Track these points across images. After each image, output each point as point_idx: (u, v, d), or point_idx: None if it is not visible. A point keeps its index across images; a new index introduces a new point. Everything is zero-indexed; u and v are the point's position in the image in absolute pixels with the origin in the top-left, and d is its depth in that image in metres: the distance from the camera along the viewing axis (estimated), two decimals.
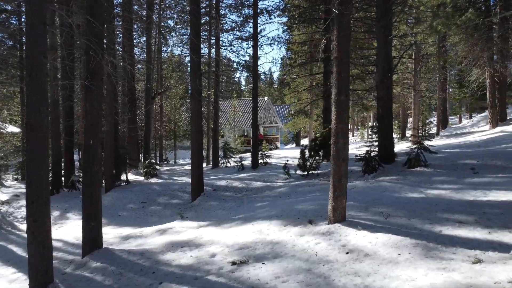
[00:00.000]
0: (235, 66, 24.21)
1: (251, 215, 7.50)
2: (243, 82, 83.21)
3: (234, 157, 22.09)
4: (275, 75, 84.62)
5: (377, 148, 12.24)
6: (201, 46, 12.30)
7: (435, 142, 18.51)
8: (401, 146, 22.68)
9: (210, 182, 13.68)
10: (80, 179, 13.86)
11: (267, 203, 8.87)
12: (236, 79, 72.17)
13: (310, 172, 12.81)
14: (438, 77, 23.10)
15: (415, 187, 8.18)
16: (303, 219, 6.05)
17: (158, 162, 31.77)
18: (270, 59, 59.65)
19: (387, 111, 11.56)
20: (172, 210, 10.49)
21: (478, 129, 22.73)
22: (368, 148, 16.28)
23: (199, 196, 10.73)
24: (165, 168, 26.05)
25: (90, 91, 5.84)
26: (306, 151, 12.74)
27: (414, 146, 10.81)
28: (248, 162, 19.29)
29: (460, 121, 33.85)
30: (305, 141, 44.16)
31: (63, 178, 15.16)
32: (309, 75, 18.71)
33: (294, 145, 42.98)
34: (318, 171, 12.96)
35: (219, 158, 21.82)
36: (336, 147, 5.44)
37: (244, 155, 31.18)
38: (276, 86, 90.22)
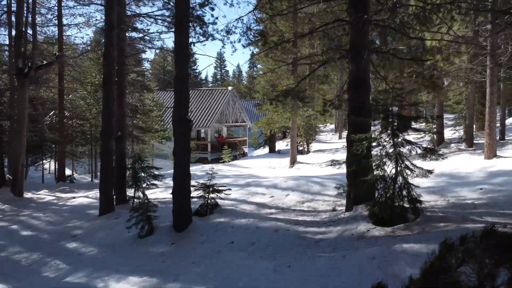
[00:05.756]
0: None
1: None
2: (210, 73, 72.75)
3: (156, 184, 11.15)
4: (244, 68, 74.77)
5: None
6: None
7: None
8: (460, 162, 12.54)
9: None
10: None
11: None
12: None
13: None
14: None
15: None
16: None
17: (56, 181, 20.33)
18: None
19: None
20: None
21: None
22: None
23: None
24: (49, 198, 14.73)
25: None
26: None
27: None
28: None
29: None
30: (281, 145, 33.47)
31: None
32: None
33: (267, 150, 32.30)
34: None
35: (127, 185, 10.88)
36: None
37: (193, 168, 20.29)
38: (244, 82, 79.53)
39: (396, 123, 5.59)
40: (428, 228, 5.07)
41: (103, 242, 7.08)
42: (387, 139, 5.74)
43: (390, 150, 5.82)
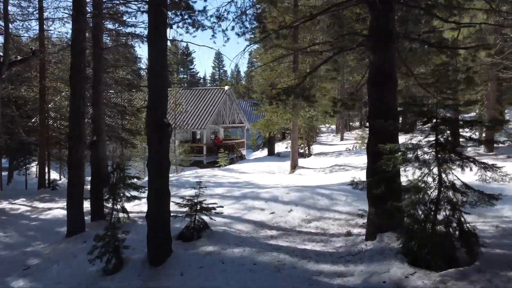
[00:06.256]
0: None
1: None
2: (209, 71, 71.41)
3: (139, 196, 9.59)
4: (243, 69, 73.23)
5: None
6: None
7: None
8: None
9: None
10: None
11: None
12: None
13: None
14: None
15: None
16: None
17: (38, 187, 18.78)
18: None
19: None
20: None
21: None
22: None
23: None
24: (24, 209, 13.16)
25: None
26: None
27: None
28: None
29: None
30: (280, 147, 31.93)
31: None
32: None
33: (266, 152, 30.79)
34: None
35: (104, 198, 9.32)
36: None
37: (187, 174, 18.78)
38: (243, 82, 77.78)
39: (443, 131, 4.10)
40: (497, 279, 3.58)
41: (58, 279, 5.56)
42: (429, 151, 4.25)
43: (428, 157, 4.39)
